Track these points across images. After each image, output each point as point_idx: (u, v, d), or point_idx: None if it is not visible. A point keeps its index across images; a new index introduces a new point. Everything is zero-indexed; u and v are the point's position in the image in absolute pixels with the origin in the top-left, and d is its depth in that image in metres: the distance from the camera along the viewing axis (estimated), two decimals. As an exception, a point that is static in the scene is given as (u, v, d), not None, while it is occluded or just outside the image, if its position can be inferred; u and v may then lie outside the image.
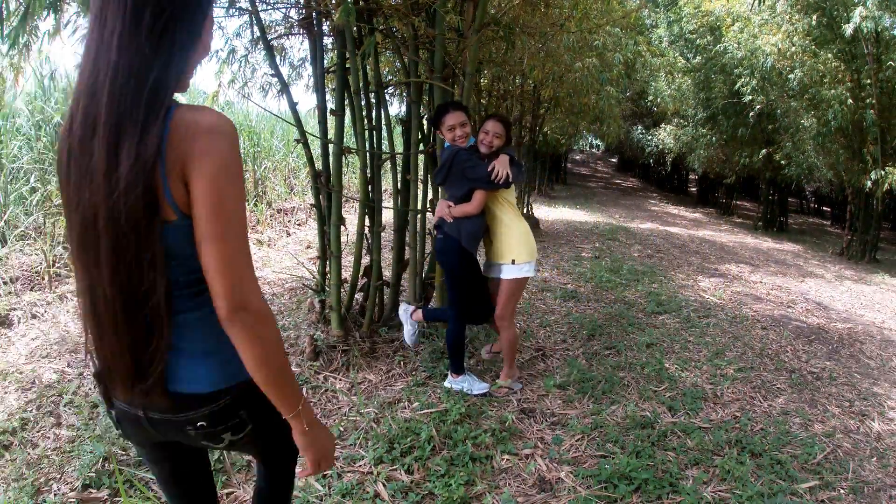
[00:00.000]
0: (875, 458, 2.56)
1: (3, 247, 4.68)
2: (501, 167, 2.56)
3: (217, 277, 0.81)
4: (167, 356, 0.87)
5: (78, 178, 0.81)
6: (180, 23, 0.82)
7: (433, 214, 3.00)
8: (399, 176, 3.39)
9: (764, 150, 11.27)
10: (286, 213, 8.00)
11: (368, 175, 3.27)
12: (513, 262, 2.69)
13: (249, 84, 4.12)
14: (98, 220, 0.79)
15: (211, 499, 1.14)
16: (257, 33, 3.33)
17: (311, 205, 4.71)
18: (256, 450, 1.13)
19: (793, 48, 8.64)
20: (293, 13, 3.55)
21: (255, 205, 7.63)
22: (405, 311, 3.04)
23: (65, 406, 2.57)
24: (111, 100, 0.77)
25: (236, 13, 3.50)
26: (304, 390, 2.80)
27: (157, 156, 0.77)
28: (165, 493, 1.13)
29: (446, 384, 2.87)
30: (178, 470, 1.08)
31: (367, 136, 3.24)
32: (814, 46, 8.61)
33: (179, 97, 0.92)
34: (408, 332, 3.02)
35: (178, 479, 1.09)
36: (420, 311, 3.02)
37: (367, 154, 3.24)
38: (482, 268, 2.88)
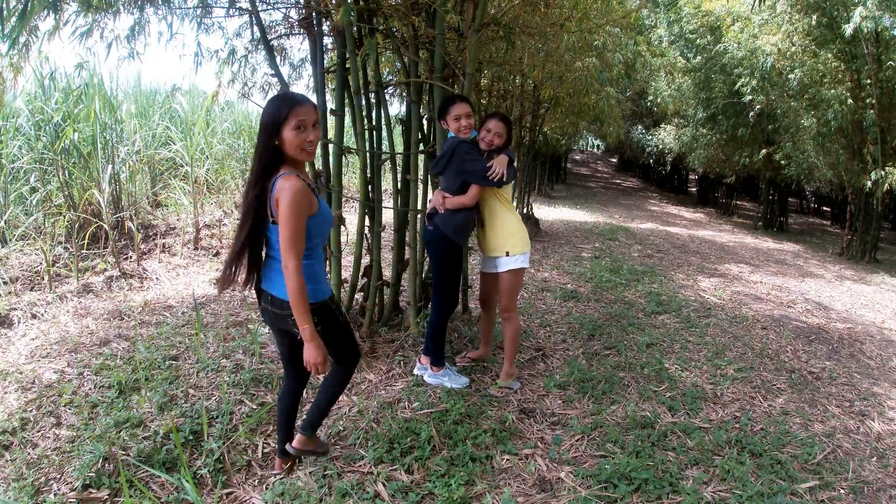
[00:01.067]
0: (875, 458, 2.56)
1: (3, 247, 4.68)
2: (500, 167, 2.61)
3: (283, 250, 1.74)
4: (272, 277, 1.88)
5: (244, 195, 1.84)
6: (260, 143, 1.78)
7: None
8: (399, 176, 3.39)
9: (764, 150, 11.27)
10: (286, 213, 7.99)
11: (368, 175, 3.27)
12: (507, 254, 2.76)
13: (249, 84, 4.12)
14: (242, 212, 1.82)
15: (303, 369, 2.01)
16: (257, 33, 3.33)
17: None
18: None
19: (793, 48, 8.63)
20: (293, 13, 3.55)
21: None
22: (421, 369, 2.95)
23: (65, 406, 2.58)
24: (254, 175, 1.80)
25: (236, 13, 3.51)
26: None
27: (267, 195, 1.78)
28: (282, 359, 2.17)
29: (427, 378, 2.90)
30: (285, 349, 2.07)
31: (367, 136, 3.23)
32: (814, 46, 8.61)
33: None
34: (448, 380, 2.89)
35: (285, 354, 2.08)
36: (422, 355, 2.98)
37: (367, 154, 3.24)
38: (480, 265, 2.92)
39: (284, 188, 1.71)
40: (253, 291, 1.97)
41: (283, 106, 1.73)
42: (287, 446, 2.15)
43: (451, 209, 2.70)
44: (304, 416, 2.17)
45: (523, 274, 2.86)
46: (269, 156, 1.76)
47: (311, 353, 1.79)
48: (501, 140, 2.72)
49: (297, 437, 2.15)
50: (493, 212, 2.80)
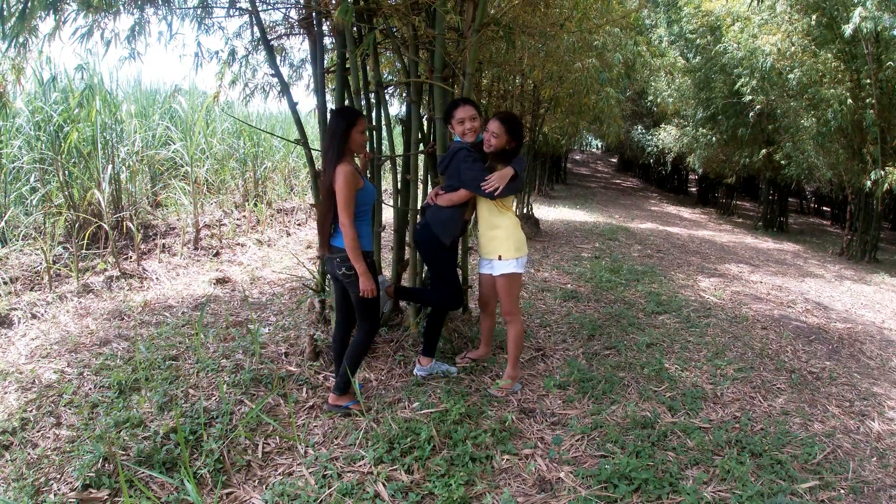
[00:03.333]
0: (875, 458, 2.56)
1: (3, 247, 4.68)
2: (497, 181, 2.59)
3: (339, 213, 2.38)
4: (332, 234, 2.50)
5: (323, 178, 2.48)
6: (337, 139, 2.41)
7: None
8: (399, 176, 3.39)
9: (764, 150, 11.26)
10: (286, 213, 8.00)
11: (369, 175, 3.26)
12: (500, 257, 2.75)
13: (250, 85, 4.13)
14: (323, 192, 2.49)
15: (352, 316, 2.66)
16: (257, 34, 3.33)
17: (311, 205, 4.70)
18: (353, 292, 2.50)
19: (792, 48, 8.63)
20: (293, 13, 3.55)
21: (256, 205, 7.63)
22: (421, 370, 2.99)
23: (65, 406, 2.58)
24: (323, 159, 2.50)
25: (236, 13, 3.51)
26: (304, 390, 2.81)
27: (333, 179, 2.39)
28: (335, 306, 2.82)
29: (416, 371, 2.95)
30: (338, 295, 2.69)
31: (367, 136, 3.23)
32: (813, 46, 8.60)
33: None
34: (436, 368, 3.02)
35: (338, 300, 2.70)
36: (421, 356, 3.01)
37: (367, 154, 3.23)
38: (478, 266, 2.93)
39: (339, 172, 2.36)
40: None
41: (353, 116, 2.46)
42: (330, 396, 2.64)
43: (442, 205, 2.72)
44: (335, 379, 2.67)
45: (519, 278, 2.84)
46: (342, 148, 2.41)
47: (364, 283, 2.38)
48: (498, 141, 2.68)
49: (330, 395, 2.62)
50: (489, 214, 2.78)
